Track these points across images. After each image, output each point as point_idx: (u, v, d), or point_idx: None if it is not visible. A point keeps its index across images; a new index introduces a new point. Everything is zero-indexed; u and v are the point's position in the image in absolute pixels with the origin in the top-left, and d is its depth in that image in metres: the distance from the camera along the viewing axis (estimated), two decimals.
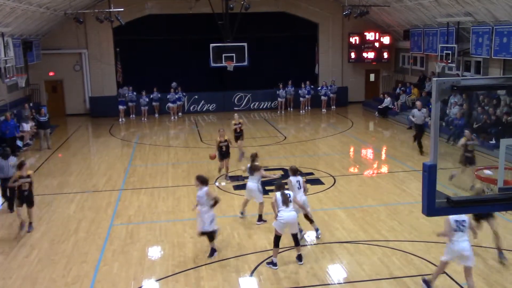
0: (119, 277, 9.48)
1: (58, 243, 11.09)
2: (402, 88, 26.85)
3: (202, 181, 10.03)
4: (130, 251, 10.55)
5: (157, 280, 9.33)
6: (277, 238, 9.67)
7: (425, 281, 8.69)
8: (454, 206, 4.52)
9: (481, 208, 4.48)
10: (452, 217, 8.23)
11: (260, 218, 11.82)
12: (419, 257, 9.99)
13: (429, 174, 4.41)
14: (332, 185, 14.74)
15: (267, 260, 9.83)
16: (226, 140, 15.14)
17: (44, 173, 16.86)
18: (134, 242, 11.01)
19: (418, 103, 18.97)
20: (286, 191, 9.86)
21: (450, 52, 22.02)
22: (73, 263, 10.10)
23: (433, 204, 4.45)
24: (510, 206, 4.48)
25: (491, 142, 17.54)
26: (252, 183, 11.85)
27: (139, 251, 10.56)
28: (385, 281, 9.14)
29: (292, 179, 10.56)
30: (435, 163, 4.42)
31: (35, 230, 11.81)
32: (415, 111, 18.68)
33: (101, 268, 9.85)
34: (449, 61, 22.07)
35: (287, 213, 9.60)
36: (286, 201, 9.64)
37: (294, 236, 9.81)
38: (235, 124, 17.31)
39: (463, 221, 8.25)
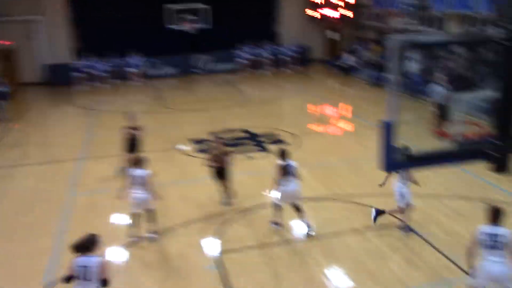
0: None
1: (19, 216, 10.85)
2: (363, 45, 26.88)
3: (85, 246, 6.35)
4: (93, 220, 10.41)
5: (120, 247, 9.26)
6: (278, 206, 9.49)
7: None
8: (412, 160, 4.56)
9: (438, 162, 4.54)
10: (484, 229, 6.36)
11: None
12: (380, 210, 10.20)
13: (387, 130, 4.42)
14: (296, 144, 14.79)
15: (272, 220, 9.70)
16: (226, 153, 11.03)
17: (3, 145, 16.36)
18: (96, 212, 10.87)
19: (439, 75, 15.50)
20: (291, 162, 9.31)
21: (410, 7, 22.01)
22: (35, 235, 9.92)
23: (391, 160, 4.48)
24: (466, 159, 4.56)
25: None
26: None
27: (102, 220, 10.43)
28: (347, 235, 9.33)
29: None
30: (392, 120, 4.42)
31: None
32: (435, 86, 15.05)
33: (63, 239, 9.70)
34: (410, 17, 22.12)
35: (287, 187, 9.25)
36: (287, 172, 9.20)
37: (296, 207, 9.51)
38: (131, 129, 12.57)
39: (497, 235, 6.24)
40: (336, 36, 30.65)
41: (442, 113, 14.41)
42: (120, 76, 26.66)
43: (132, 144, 12.45)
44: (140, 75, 26.83)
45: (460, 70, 18.36)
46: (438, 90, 14.78)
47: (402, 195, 9.16)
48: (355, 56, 26.38)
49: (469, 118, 11.41)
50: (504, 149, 4.30)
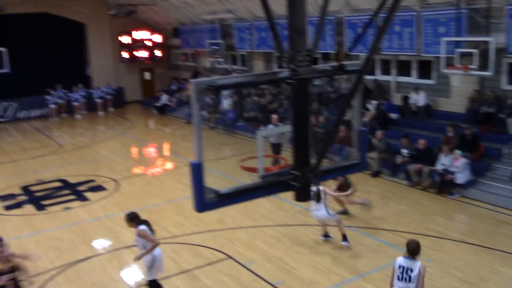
0: None
1: None
2: (176, 85, 27.41)
3: None
4: None
5: None
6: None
7: None
8: (223, 199, 4.71)
9: (246, 197, 4.76)
10: (399, 261, 6.64)
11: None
12: (206, 247, 10.35)
13: (196, 172, 4.51)
14: (116, 190, 14.35)
15: None
16: (13, 270, 7.47)
17: None
18: None
19: (274, 116, 15.79)
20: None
21: (217, 47, 23.15)
22: None
23: (203, 200, 4.58)
24: (270, 192, 4.86)
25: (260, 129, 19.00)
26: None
27: None
28: (176, 277, 9.25)
29: None
30: (200, 161, 4.53)
31: None
32: (270, 126, 14.69)
33: None
34: (218, 56, 23.22)
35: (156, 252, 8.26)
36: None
37: None
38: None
39: (409, 269, 6.51)
40: (149, 76, 30.80)
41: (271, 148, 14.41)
42: None
43: None
44: None
45: (271, 105, 19.73)
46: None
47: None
48: (171, 96, 26.74)
49: (277, 151, 12.22)
50: (303, 179, 4.67)
